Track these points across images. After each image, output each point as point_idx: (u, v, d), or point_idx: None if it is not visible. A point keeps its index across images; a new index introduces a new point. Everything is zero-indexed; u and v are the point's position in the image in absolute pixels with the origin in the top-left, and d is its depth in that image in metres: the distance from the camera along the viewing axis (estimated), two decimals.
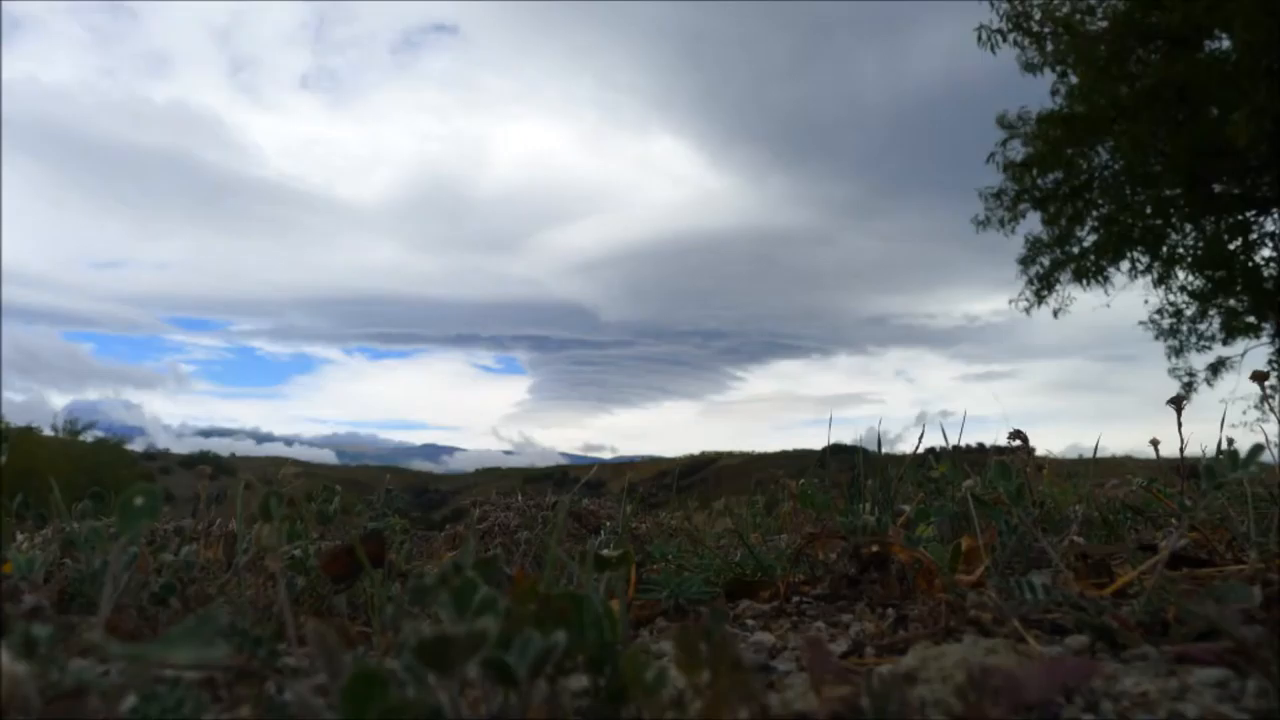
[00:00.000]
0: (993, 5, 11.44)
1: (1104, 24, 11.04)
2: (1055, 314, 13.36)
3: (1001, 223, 13.03)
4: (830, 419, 2.30)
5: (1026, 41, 11.52)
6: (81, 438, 37.32)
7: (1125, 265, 12.85)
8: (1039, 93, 12.18)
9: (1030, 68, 11.82)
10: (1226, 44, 10.14)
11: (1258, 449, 1.02)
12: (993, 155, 12.69)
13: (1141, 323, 13.38)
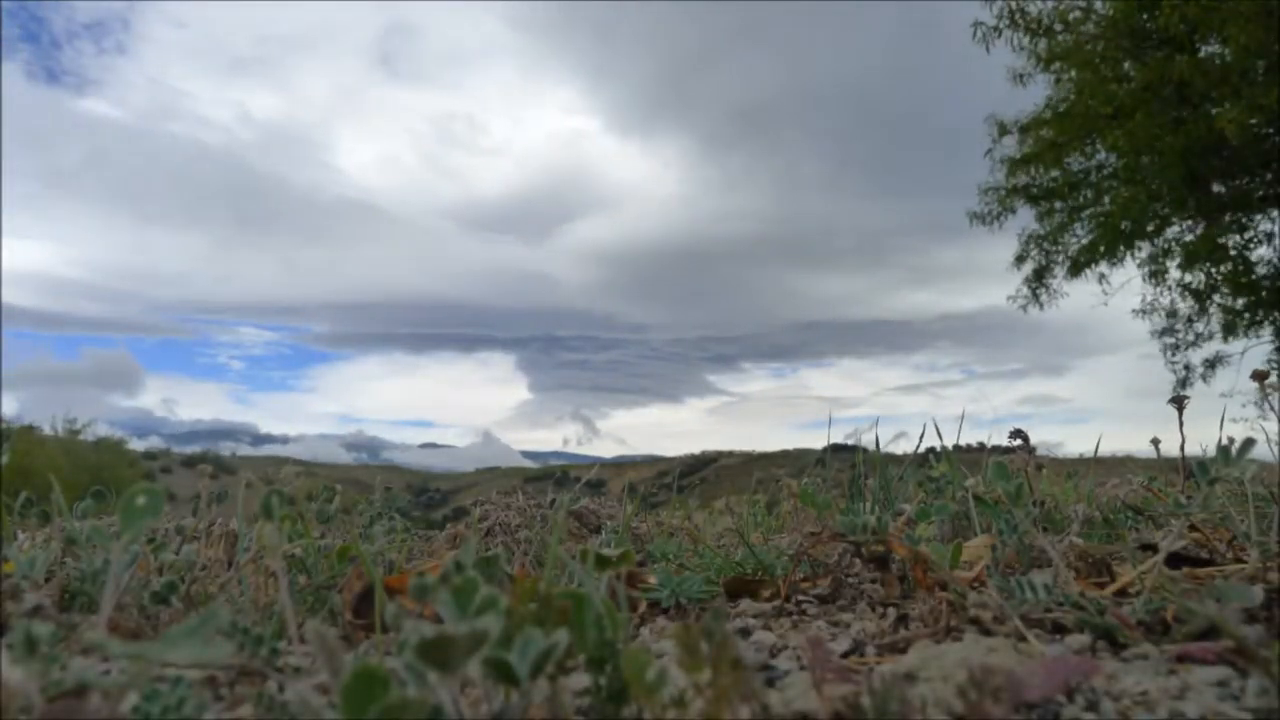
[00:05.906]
0: (987, 3, 11.45)
1: (1099, 26, 11.05)
2: (1042, 308, 13.37)
3: (994, 217, 13.05)
4: (830, 419, 2.29)
5: (1021, 39, 11.52)
6: (82, 437, 37.33)
7: (1121, 262, 12.85)
8: (1041, 91, 12.20)
9: (1019, 78, 11.86)
10: (1221, 47, 10.15)
11: (1249, 443, 1.02)
12: (989, 151, 12.74)
13: (1134, 311, 13.38)
